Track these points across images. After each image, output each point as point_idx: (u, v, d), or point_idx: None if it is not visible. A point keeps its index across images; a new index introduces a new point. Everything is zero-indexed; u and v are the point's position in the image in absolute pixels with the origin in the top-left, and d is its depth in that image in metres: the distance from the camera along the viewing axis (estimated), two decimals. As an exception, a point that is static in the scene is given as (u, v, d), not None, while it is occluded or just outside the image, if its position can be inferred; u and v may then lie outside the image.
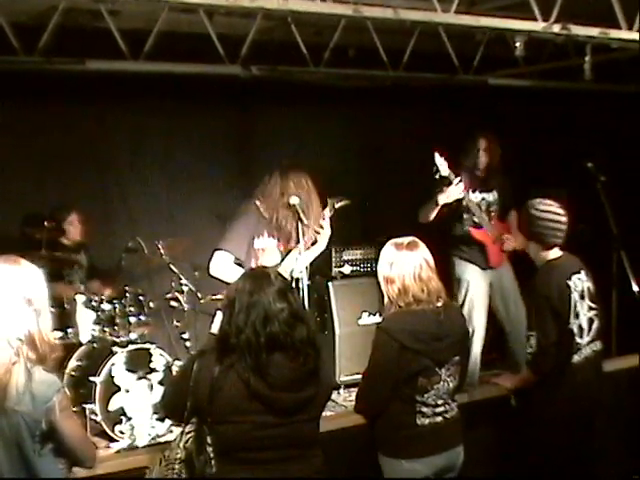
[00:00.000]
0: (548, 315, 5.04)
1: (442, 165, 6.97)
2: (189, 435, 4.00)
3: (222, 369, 3.75)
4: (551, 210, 5.19)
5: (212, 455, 3.85)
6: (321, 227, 6.30)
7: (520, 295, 7.33)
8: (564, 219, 5.20)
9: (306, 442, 3.91)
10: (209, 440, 3.85)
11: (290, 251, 6.39)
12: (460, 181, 6.96)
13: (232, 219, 6.48)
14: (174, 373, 6.63)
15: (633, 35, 6.73)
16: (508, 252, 7.40)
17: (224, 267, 6.24)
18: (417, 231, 4.93)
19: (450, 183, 6.96)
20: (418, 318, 4.52)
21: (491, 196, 7.52)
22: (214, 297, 7.17)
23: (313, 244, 6.37)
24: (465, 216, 7.41)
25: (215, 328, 4.11)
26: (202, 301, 7.43)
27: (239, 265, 6.25)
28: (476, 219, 7.36)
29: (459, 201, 7.12)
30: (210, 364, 3.78)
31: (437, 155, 6.98)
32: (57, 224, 7.62)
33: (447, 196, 6.98)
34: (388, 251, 4.68)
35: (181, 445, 4.04)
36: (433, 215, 7.06)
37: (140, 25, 7.51)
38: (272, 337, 3.75)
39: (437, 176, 6.96)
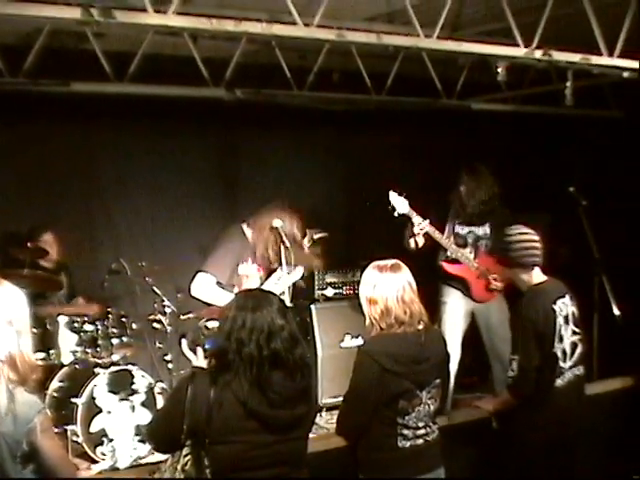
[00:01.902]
0: (532, 339, 5.06)
1: (399, 203, 6.87)
2: (187, 458, 4.00)
3: (218, 390, 3.77)
4: (521, 232, 5.27)
5: (209, 476, 3.85)
6: (302, 254, 6.34)
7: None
8: (536, 238, 5.27)
9: (297, 460, 3.98)
10: (206, 462, 3.85)
11: (270, 275, 6.43)
12: (422, 218, 6.87)
13: (217, 242, 6.51)
14: (163, 400, 6.61)
15: (614, 61, 6.79)
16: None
17: (205, 288, 6.28)
18: (400, 255, 4.94)
19: (411, 221, 6.89)
20: (399, 341, 4.53)
21: (480, 230, 7.28)
22: (184, 317, 7.18)
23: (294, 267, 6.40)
24: (441, 250, 7.26)
25: (197, 361, 4.13)
26: (182, 317, 7.40)
27: (221, 288, 6.28)
28: (450, 254, 7.21)
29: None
30: (204, 386, 3.80)
31: (392, 194, 6.89)
32: (34, 243, 7.56)
33: (411, 234, 6.96)
34: (371, 273, 4.70)
35: (179, 468, 4.04)
36: (412, 246, 7.01)
37: (125, 47, 7.55)
38: (275, 353, 3.80)
39: (396, 214, 6.90)
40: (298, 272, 6.46)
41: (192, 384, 3.82)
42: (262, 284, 6.40)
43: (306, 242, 6.47)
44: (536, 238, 5.26)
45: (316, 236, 6.58)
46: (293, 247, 6.28)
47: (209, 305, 6.32)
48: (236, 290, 6.28)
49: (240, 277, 6.39)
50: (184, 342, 4.25)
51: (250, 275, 6.43)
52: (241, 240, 6.42)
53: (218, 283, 6.31)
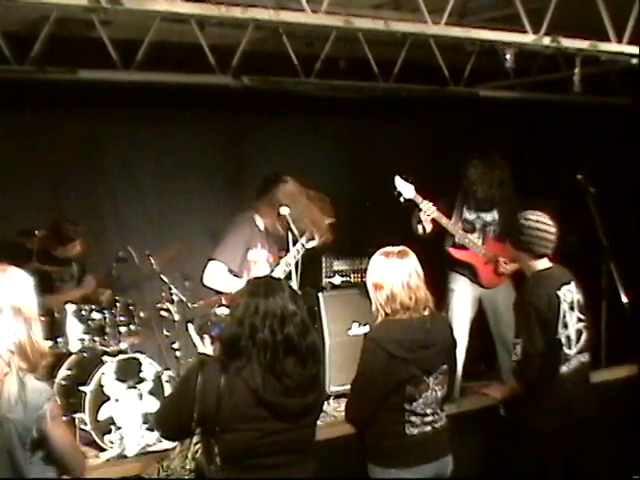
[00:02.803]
0: (535, 324, 5.06)
1: (405, 189, 6.88)
2: (197, 446, 4.01)
3: (228, 377, 3.77)
4: (540, 220, 5.22)
5: (220, 464, 3.86)
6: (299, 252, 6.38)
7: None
8: (553, 230, 5.23)
9: (305, 447, 3.99)
10: (216, 450, 3.85)
11: (279, 263, 6.45)
12: (429, 203, 6.87)
13: (226, 230, 6.52)
14: (171, 388, 6.62)
15: (622, 48, 6.77)
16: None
17: (218, 277, 6.30)
18: (408, 243, 4.94)
19: (418, 206, 6.90)
20: (405, 327, 4.53)
21: (489, 216, 7.28)
22: (195, 305, 7.17)
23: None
24: (449, 236, 7.26)
25: (204, 348, 4.14)
26: (193, 306, 7.40)
27: (233, 275, 6.29)
28: (457, 239, 7.23)
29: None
30: (214, 374, 3.80)
31: (398, 179, 6.90)
32: (58, 237, 7.54)
33: (418, 220, 6.95)
34: (378, 259, 4.71)
35: (189, 455, 4.06)
36: (420, 231, 7.00)
37: (132, 35, 7.53)
38: (288, 339, 3.81)
39: (402, 200, 6.89)
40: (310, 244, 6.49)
41: (202, 372, 3.82)
42: (272, 271, 6.41)
43: (299, 246, 6.49)
44: (553, 230, 5.23)
45: (308, 245, 6.60)
46: (310, 227, 6.31)
47: (221, 294, 6.33)
48: (245, 276, 6.30)
49: (249, 262, 6.41)
50: (191, 327, 4.26)
51: (258, 261, 6.45)
52: (250, 226, 6.44)
53: (230, 271, 6.33)
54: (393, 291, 4.57)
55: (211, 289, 6.46)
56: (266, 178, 6.62)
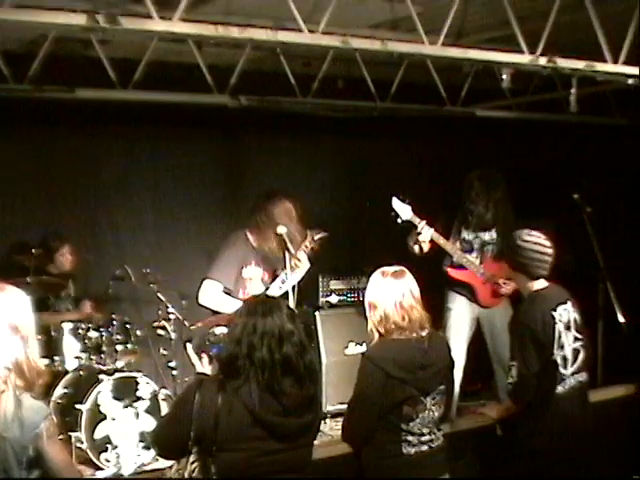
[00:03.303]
0: (530, 345, 5.02)
1: (402, 210, 6.86)
2: (194, 465, 4.00)
3: (225, 397, 3.77)
4: (538, 242, 5.18)
5: None
6: (298, 259, 6.37)
7: None
8: (550, 251, 5.19)
9: (301, 467, 3.97)
10: (213, 469, 3.84)
11: (274, 279, 6.45)
12: (426, 224, 6.85)
13: (221, 248, 6.53)
14: (169, 408, 6.60)
15: (618, 68, 6.79)
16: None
17: (213, 296, 6.30)
18: (406, 262, 4.95)
19: (415, 227, 6.88)
20: (403, 347, 4.54)
21: (487, 235, 7.22)
22: (193, 327, 7.16)
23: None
24: (447, 256, 7.22)
25: (202, 368, 4.14)
26: (192, 327, 7.40)
27: (227, 294, 6.29)
28: (455, 259, 7.19)
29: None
30: (212, 393, 3.80)
31: (395, 200, 6.88)
32: (47, 252, 7.61)
33: (415, 240, 6.95)
34: (374, 278, 4.74)
35: (186, 475, 4.04)
36: (417, 251, 6.99)
37: (130, 54, 7.57)
38: (286, 358, 3.81)
39: (399, 221, 6.89)
40: (294, 278, 6.47)
41: (199, 391, 3.81)
42: (267, 289, 6.42)
43: (307, 243, 6.47)
44: (550, 251, 5.18)
45: (317, 236, 6.57)
46: (295, 250, 6.33)
47: (217, 313, 6.32)
48: (240, 293, 6.31)
49: (244, 280, 6.41)
50: (189, 347, 4.26)
51: (253, 278, 6.45)
52: (244, 244, 6.44)
53: (225, 289, 6.33)
54: (386, 311, 4.59)
55: (206, 308, 6.45)
56: (260, 195, 6.63)
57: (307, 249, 6.48)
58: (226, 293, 6.32)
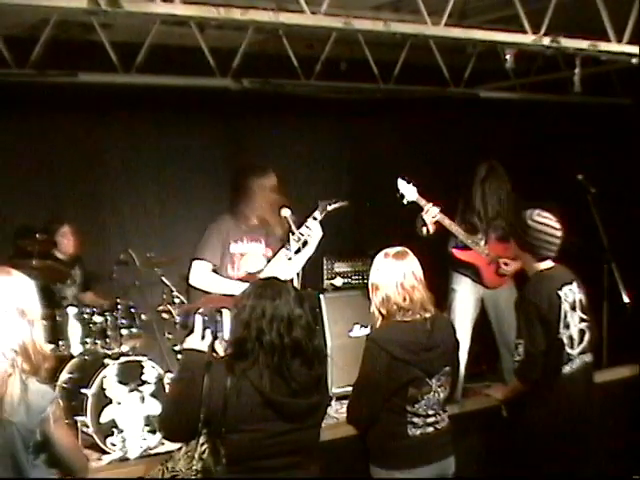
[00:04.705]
0: (537, 324, 5.02)
1: (408, 191, 6.83)
2: (204, 447, 4.01)
3: (234, 378, 3.79)
4: (547, 223, 5.15)
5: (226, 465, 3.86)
6: (301, 235, 6.35)
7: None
8: (559, 233, 5.16)
9: (309, 449, 4.00)
10: (223, 451, 3.86)
11: (275, 254, 6.44)
12: (432, 205, 6.84)
13: (207, 229, 6.53)
14: (174, 390, 6.60)
15: (622, 47, 6.76)
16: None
17: (203, 276, 6.29)
18: (410, 244, 4.94)
19: (421, 208, 6.86)
20: (407, 329, 4.54)
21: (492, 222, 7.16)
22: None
23: (304, 245, 6.41)
24: (452, 237, 7.17)
25: (193, 343, 4.11)
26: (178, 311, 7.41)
27: (217, 273, 6.29)
28: (461, 241, 7.15)
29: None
30: (221, 375, 3.82)
31: (400, 181, 6.85)
32: (49, 236, 7.62)
33: (422, 223, 6.92)
34: (377, 259, 4.76)
35: (196, 456, 4.05)
36: (424, 233, 6.96)
37: (132, 38, 7.55)
38: (295, 342, 3.84)
39: (405, 202, 6.87)
40: (309, 250, 6.47)
41: (208, 373, 3.83)
42: (269, 261, 6.42)
43: (318, 214, 6.46)
44: (559, 233, 5.15)
45: (330, 207, 6.55)
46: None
47: (208, 293, 6.32)
48: (229, 269, 6.30)
49: (232, 255, 6.38)
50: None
51: (248, 253, 6.42)
52: (230, 221, 6.41)
53: (214, 268, 6.33)
54: (387, 292, 4.60)
55: (197, 289, 6.44)
56: (244, 169, 6.59)
57: (318, 219, 6.46)
58: (215, 272, 6.33)
